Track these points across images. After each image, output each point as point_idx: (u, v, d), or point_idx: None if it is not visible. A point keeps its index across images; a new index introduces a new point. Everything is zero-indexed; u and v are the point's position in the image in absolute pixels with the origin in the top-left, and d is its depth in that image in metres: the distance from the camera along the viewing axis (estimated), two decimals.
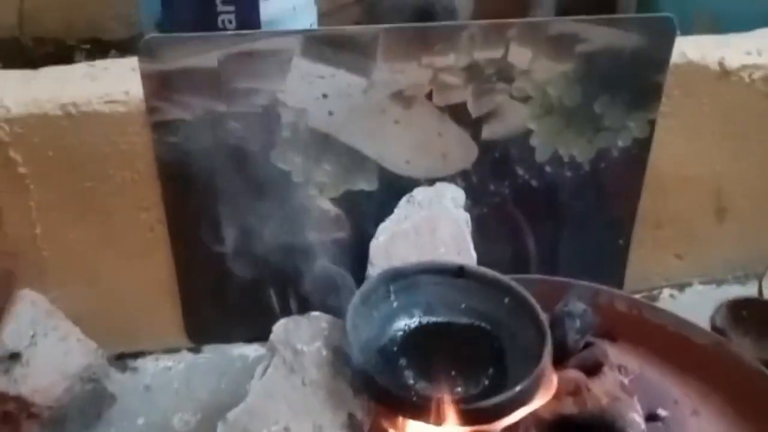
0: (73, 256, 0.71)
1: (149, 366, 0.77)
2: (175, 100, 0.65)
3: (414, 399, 0.55)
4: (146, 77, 0.64)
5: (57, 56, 0.94)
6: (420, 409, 0.53)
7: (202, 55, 0.64)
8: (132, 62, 0.67)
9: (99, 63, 0.72)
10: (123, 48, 0.92)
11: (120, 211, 0.70)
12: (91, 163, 0.67)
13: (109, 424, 0.69)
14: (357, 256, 0.73)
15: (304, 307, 0.73)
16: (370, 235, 0.72)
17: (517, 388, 0.55)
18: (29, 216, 0.68)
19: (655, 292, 0.90)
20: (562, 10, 0.96)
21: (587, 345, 0.67)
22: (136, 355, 0.78)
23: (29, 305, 0.65)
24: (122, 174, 0.68)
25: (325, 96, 0.69)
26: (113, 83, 0.67)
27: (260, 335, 0.66)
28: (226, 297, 0.77)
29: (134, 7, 0.87)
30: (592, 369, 0.64)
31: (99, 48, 0.96)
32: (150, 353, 0.78)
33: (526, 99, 0.74)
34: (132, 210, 0.70)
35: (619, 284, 0.86)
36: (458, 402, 0.54)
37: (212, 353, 0.79)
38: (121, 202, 0.70)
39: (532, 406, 0.57)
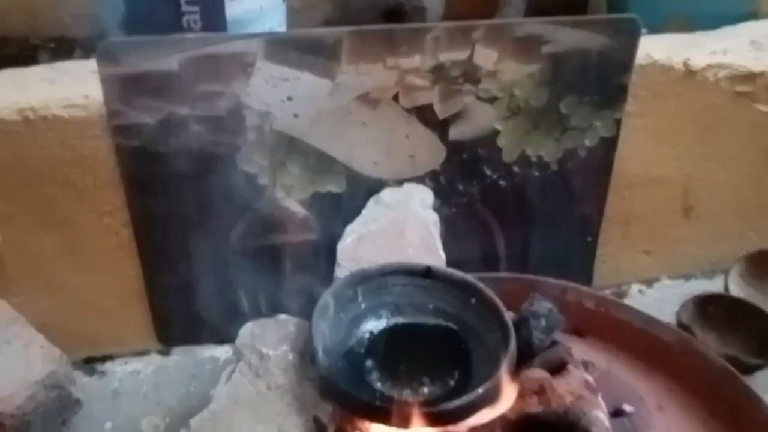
0: (36, 263, 0.70)
1: (117, 370, 0.77)
2: (136, 104, 0.65)
3: (376, 402, 0.55)
4: (106, 81, 0.63)
5: (21, 56, 0.92)
6: (383, 413, 0.54)
7: (162, 58, 0.63)
8: (93, 64, 0.66)
9: (59, 65, 0.71)
10: (88, 47, 0.91)
11: (83, 216, 0.69)
12: (51, 170, 0.66)
13: (75, 431, 0.68)
14: (326, 257, 0.73)
15: (274, 308, 0.73)
16: (339, 237, 0.72)
17: (480, 390, 0.55)
18: None
19: (624, 288, 0.91)
20: (533, 9, 0.96)
21: (553, 344, 0.68)
22: (105, 358, 0.77)
23: None
24: (84, 180, 0.67)
25: (290, 98, 0.69)
26: (73, 87, 0.66)
27: (231, 336, 0.66)
28: (196, 298, 0.77)
29: (99, 5, 0.85)
30: (557, 368, 0.65)
31: (64, 47, 0.94)
32: (118, 356, 0.78)
33: (492, 100, 0.74)
34: (95, 215, 0.70)
35: (588, 280, 0.87)
36: (421, 405, 0.55)
37: (182, 355, 0.79)
38: (84, 207, 0.69)
39: (499, 409, 0.58)
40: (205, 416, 0.55)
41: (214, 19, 0.74)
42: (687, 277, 0.93)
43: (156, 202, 0.70)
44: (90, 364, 0.77)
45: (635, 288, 0.92)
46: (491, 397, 0.56)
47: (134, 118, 0.65)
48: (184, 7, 0.74)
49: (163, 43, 0.64)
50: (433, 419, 0.54)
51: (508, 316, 0.62)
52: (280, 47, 0.66)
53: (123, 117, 0.65)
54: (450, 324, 0.65)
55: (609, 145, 0.80)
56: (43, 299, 0.71)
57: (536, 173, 0.79)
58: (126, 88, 0.64)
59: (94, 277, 0.72)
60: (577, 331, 0.75)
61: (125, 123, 0.65)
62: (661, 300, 0.89)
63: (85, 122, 0.65)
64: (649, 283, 0.92)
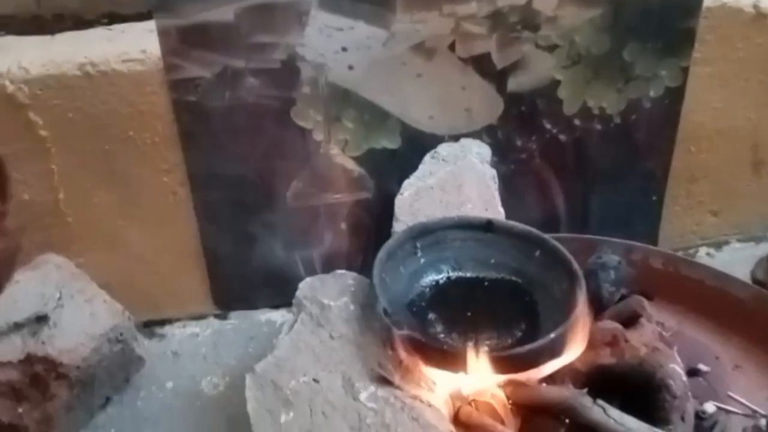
0: (97, 221, 0.71)
1: (176, 332, 0.77)
2: (193, 57, 0.64)
3: (446, 348, 0.53)
4: (163, 33, 0.63)
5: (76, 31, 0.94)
6: (453, 358, 0.52)
7: (218, 8, 0.63)
8: (149, 25, 0.67)
9: (117, 26, 0.72)
10: (141, 20, 0.92)
11: (142, 174, 0.69)
12: (110, 125, 0.66)
13: (138, 388, 0.69)
14: (381, 215, 0.72)
15: (330, 268, 0.72)
16: (393, 194, 0.70)
17: (552, 335, 0.53)
18: (52, 180, 0.68)
19: (691, 251, 0.87)
20: None
21: (623, 297, 0.65)
22: (163, 322, 0.78)
23: (54, 269, 0.65)
24: (142, 136, 0.68)
25: (344, 49, 0.68)
26: (130, 43, 0.66)
27: (287, 300, 0.65)
28: (252, 262, 0.76)
29: None
30: (629, 320, 0.62)
31: (117, 22, 0.95)
32: (177, 320, 0.78)
33: (552, 48, 0.72)
34: (153, 173, 0.70)
35: (653, 243, 0.83)
36: (492, 350, 0.53)
37: (239, 319, 0.79)
38: (142, 164, 0.69)
39: (569, 357, 0.55)
40: (270, 361, 0.54)
41: None
42: (758, 239, 0.89)
43: (212, 160, 0.70)
44: (150, 327, 0.77)
45: (703, 251, 0.88)
46: (564, 344, 0.54)
47: (191, 71, 0.65)
48: None
49: None
50: (504, 365, 0.52)
51: (576, 265, 0.60)
52: None
53: (180, 71, 0.65)
54: (513, 277, 0.63)
55: (675, 95, 0.76)
56: (103, 257, 0.71)
57: (598, 126, 0.76)
58: (183, 40, 0.64)
59: (153, 236, 0.72)
60: (645, 293, 0.71)
61: (182, 77, 0.65)
62: (732, 263, 0.84)
63: (143, 77, 0.65)
64: (718, 245, 0.88)
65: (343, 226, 0.76)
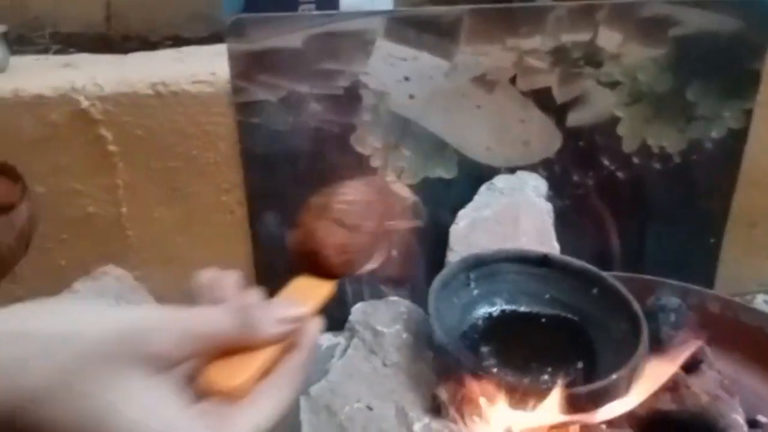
0: (156, 236, 0.72)
1: None
2: (261, 81, 0.66)
3: (505, 382, 0.52)
4: (233, 57, 0.65)
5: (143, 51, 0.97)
6: (512, 393, 0.51)
7: (287, 35, 0.65)
8: (216, 49, 0.69)
9: (185, 49, 0.74)
10: (202, 44, 0.95)
11: (202, 192, 0.71)
12: (176, 144, 0.68)
13: None
14: (432, 244, 0.71)
15: (377, 296, 0.72)
16: (446, 224, 0.70)
17: (614, 376, 0.51)
18: (116, 195, 0.69)
19: (748, 297, 0.85)
20: None
21: (682, 341, 0.63)
22: None
23: (113, 280, 0.66)
24: (206, 155, 0.69)
25: (407, 79, 0.68)
26: (200, 65, 0.68)
27: (333, 324, 0.65)
28: None
29: (215, 5, 0.89)
30: (690, 366, 0.60)
31: (180, 45, 0.99)
32: None
33: (614, 85, 0.71)
34: (214, 192, 0.71)
35: (709, 286, 0.81)
36: (552, 387, 0.51)
37: None
38: (203, 183, 0.70)
39: (632, 402, 0.54)
40: (324, 386, 0.54)
41: (328, 8, 0.76)
42: None
43: (271, 182, 0.71)
44: None
45: (761, 298, 0.85)
46: (625, 387, 0.52)
47: (257, 95, 0.67)
48: None
49: (290, 19, 0.65)
50: (563, 403, 0.50)
51: (637, 306, 0.59)
52: (400, 25, 0.66)
53: (247, 94, 0.66)
54: (569, 314, 0.62)
55: (738, 137, 0.75)
56: (160, 271, 0.72)
57: (657, 165, 0.75)
58: (252, 64, 0.65)
59: (207, 254, 0.73)
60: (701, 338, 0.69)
61: (248, 100, 0.67)
62: None
63: (211, 98, 0.67)
64: None
65: (394, 253, 0.76)
